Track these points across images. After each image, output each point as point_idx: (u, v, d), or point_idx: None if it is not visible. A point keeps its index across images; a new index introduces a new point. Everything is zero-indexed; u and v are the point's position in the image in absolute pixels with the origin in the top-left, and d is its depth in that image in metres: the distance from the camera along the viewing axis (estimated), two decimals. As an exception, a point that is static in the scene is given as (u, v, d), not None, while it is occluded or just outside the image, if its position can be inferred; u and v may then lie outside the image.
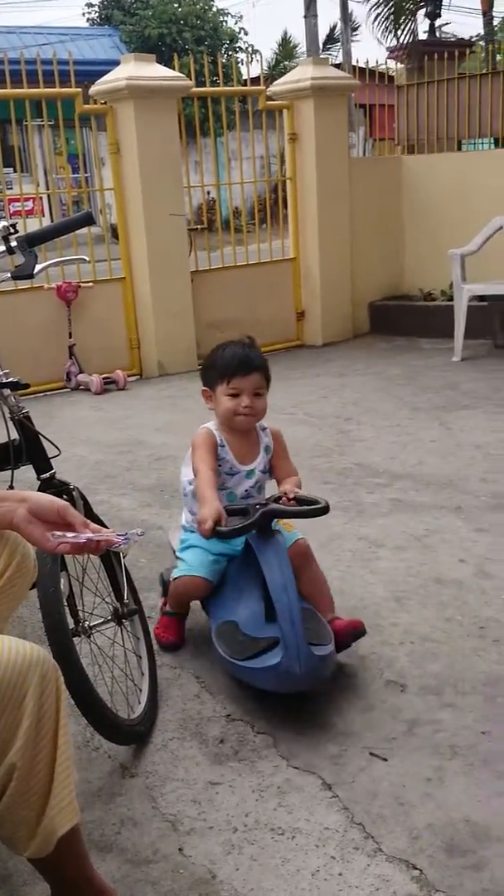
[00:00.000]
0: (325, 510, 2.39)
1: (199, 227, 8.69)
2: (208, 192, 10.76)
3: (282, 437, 2.70)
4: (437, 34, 14.80)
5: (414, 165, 8.49)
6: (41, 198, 8.47)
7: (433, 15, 14.42)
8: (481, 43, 14.65)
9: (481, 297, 6.93)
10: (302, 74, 7.64)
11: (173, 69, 6.92)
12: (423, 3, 14.47)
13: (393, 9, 14.37)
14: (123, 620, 2.43)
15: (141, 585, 2.86)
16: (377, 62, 9.22)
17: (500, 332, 7.10)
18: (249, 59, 12.24)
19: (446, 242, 7.31)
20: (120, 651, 2.48)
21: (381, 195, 8.31)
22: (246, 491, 2.62)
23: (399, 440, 4.85)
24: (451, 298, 7.29)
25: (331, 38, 26.45)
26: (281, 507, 2.44)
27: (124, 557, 2.44)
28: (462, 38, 14.07)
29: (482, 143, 9.36)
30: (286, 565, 2.34)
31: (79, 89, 6.61)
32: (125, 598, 2.43)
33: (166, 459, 4.73)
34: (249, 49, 21.98)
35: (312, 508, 2.40)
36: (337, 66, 10.26)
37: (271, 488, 2.70)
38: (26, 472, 2.33)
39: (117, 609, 2.40)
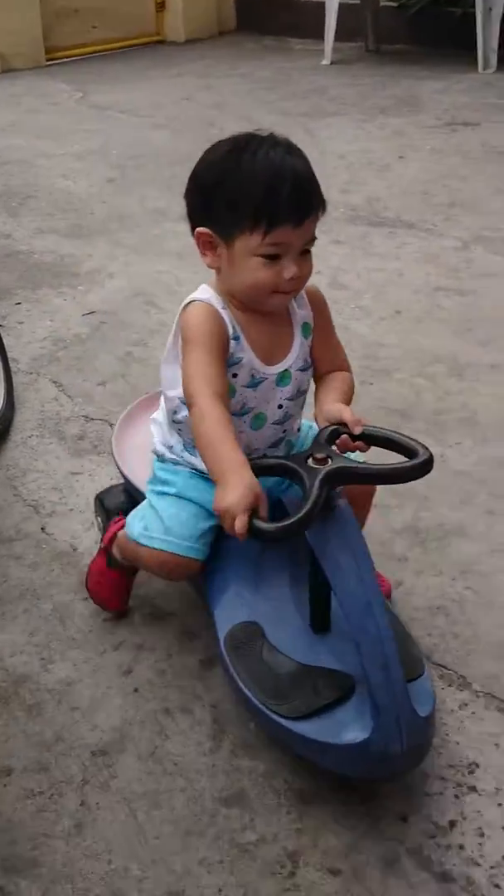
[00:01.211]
0: (428, 466, 1.34)
1: None
2: None
3: (324, 301, 1.58)
4: None
5: None
6: None
7: None
8: None
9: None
10: None
11: None
12: None
13: None
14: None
15: None
16: None
17: (372, 35, 6.72)
18: None
19: None
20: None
21: None
22: (282, 408, 1.52)
23: (262, 148, 4.68)
24: (324, -7, 6.75)
25: None
26: (357, 467, 1.35)
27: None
28: None
29: None
30: (366, 565, 1.32)
31: None
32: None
33: (13, 164, 4.43)
34: None
35: (410, 466, 1.33)
36: None
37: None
38: None
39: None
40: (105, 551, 1.71)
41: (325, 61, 6.44)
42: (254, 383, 1.48)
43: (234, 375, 1.45)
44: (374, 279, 3.19)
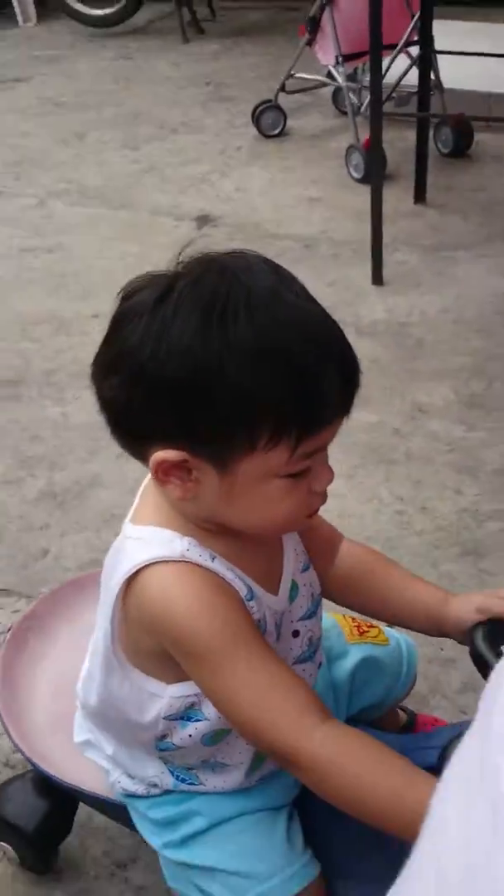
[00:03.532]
0: None
1: None
2: None
3: None
4: None
5: None
6: None
7: None
8: None
9: None
10: None
11: None
12: None
13: None
14: None
15: None
16: None
17: None
18: None
19: None
20: None
21: None
22: (298, 635, 0.98)
23: None
24: None
25: None
26: None
27: None
28: None
29: None
30: None
31: None
32: None
33: None
34: None
35: None
36: None
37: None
38: None
39: None
40: None
41: None
42: (278, 629, 0.94)
43: None
44: (-43, 252, 3.05)
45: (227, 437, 0.78)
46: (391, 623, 1.03)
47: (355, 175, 3.30)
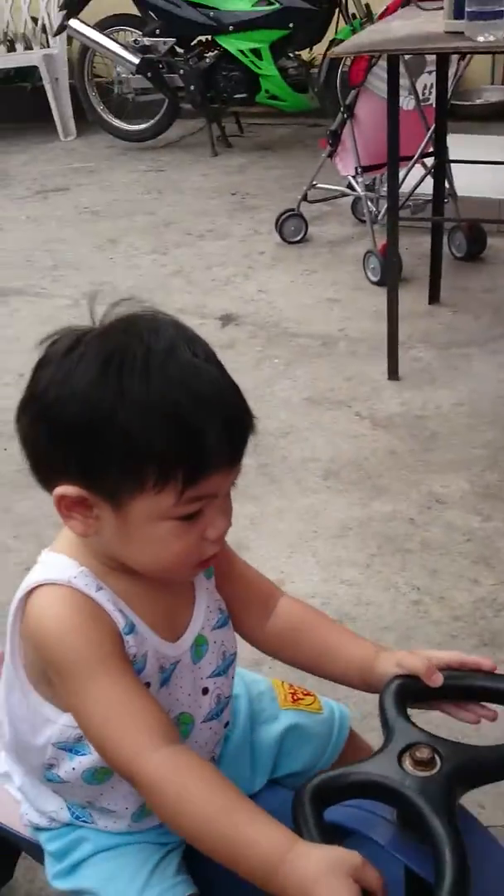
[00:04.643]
0: None
1: None
2: None
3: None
4: None
5: None
6: None
7: None
8: None
9: None
10: None
11: None
12: None
13: None
14: None
15: None
16: None
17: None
18: None
19: None
20: None
21: None
22: (208, 693, 1.01)
23: None
24: None
25: None
26: (490, 752, 0.85)
27: None
28: None
29: None
30: None
31: None
32: None
33: None
34: None
35: None
36: None
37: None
38: None
39: None
40: None
41: None
42: (166, 677, 0.96)
43: (147, 685, 0.93)
44: (-8, 349, 3.19)
45: (117, 477, 0.84)
46: (326, 678, 1.04)
47: (372, 278, 3.45)
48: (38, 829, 1.04)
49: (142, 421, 0.83)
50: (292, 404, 2.68)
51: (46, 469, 0.89)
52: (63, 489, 0.87)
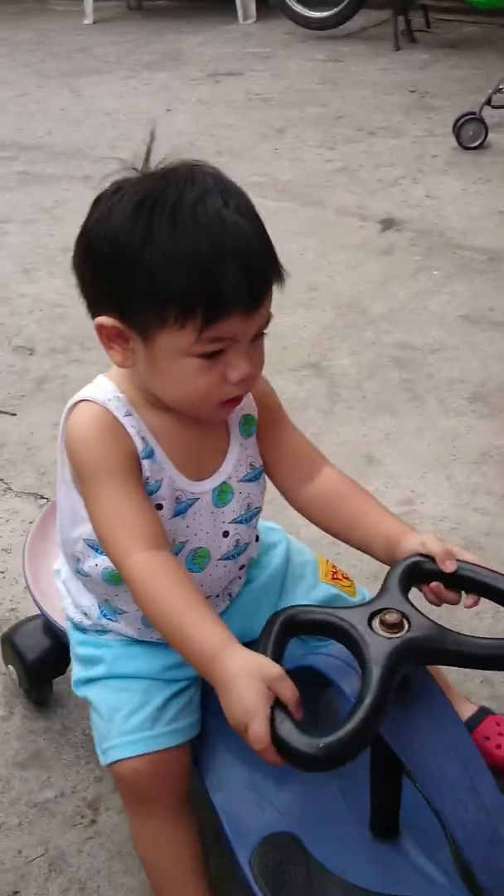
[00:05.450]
0: None
1: None
2: None
3: (267, 384, 1.14)
4: None
5: None
6: None
7: None
8: None
9: None
10: None
11: None
12: None
13: None
14: None
15: None
16: None
17: (132, -9, 6.60)
18: None
19: None
20: None
21: None
22: (228, 535, 1.11)
23: (27, 110, 4.52)
24: None
25: None
26: (452, 639, 0.88)
27: None
28: None
29: None
30: (471, 755, 0.92)
31: None
32: None
33: None
34: None
35: None
36: None
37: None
38: None
39: None
40: None
41: (88, 20, 6.27)
42: (181, 509, 1.05)
43: (158, 507, 1.03)
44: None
45: (144, 312, 0.92)
46: (354, 547, 1.09)
47: (553, 194, 3.19)
48: (74, 626, 1.17)
49: (165, 262, 0.90)
50: (446, 321, 2.53)
51: (89, 299, 0.99)
52: (102, 319, 0.96)
